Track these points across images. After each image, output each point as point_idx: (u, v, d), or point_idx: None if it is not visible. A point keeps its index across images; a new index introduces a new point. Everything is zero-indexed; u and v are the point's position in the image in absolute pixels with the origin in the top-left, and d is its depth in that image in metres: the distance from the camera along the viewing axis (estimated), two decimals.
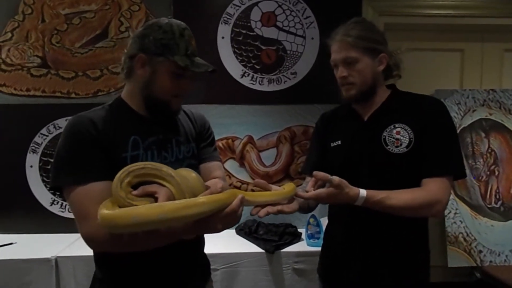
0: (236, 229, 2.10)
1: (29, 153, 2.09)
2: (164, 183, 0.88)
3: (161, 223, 0.79)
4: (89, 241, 0.92)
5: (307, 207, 1.25)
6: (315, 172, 1.05)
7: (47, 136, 2.10)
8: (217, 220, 0.86)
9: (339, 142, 1.24)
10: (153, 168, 0.89)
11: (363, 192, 1.04)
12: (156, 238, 0.89)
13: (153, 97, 1.01)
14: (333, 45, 1.19)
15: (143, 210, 0.78)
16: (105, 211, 0.80)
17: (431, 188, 1.08)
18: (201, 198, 0.84)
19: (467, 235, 2.20)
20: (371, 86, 1.18)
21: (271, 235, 1.90)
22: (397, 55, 1.21)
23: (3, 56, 2.10)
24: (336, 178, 1.01)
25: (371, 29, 1.19)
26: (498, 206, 2.25)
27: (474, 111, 2.29)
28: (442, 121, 1.14)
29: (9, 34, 2.09)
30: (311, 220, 1.87)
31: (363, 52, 1.14)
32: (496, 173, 2.27)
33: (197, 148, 1.13)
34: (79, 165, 0.92)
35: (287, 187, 1.09)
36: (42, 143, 2.10)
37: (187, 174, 0.96)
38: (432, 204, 1.07)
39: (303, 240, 1.94)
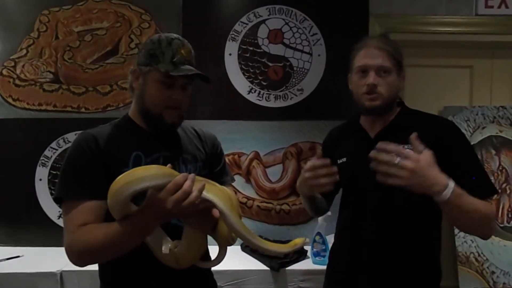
0: (241, 245, 2.08)
1: (39, 166, 2.13)
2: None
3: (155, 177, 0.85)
4: (67, 252, 0.95)
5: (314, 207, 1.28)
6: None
7: (56, 150, 2.13)
8: (165, 195, 0.83)
9: (344, 160, 1.23)
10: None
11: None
12: (124, 237, 0.89)
13: (146, 109, 1.03)
14: (366, 51, 1.16)
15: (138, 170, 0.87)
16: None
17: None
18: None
19: (479, 255, 2.14)
20: (393, 101, 1.18)
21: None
22: None
23: (18, 71, 2.15)
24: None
25: (398, 46, 1.20)
26: (510, 225, 2.19)
27: (484, 128, 2.25)
28: (464, 145, 1.13)
29: (24, 51, 2.15)
30: (317, 237, 1.84)
31: (394, 65, 1.14)
32: (508, 191, 2.21)
33: (208, 168, 1.13)
34: (76, 180, 0.95)
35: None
36: (51, 156, 2.13)
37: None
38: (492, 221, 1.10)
39: (309, 258, 1.91)
